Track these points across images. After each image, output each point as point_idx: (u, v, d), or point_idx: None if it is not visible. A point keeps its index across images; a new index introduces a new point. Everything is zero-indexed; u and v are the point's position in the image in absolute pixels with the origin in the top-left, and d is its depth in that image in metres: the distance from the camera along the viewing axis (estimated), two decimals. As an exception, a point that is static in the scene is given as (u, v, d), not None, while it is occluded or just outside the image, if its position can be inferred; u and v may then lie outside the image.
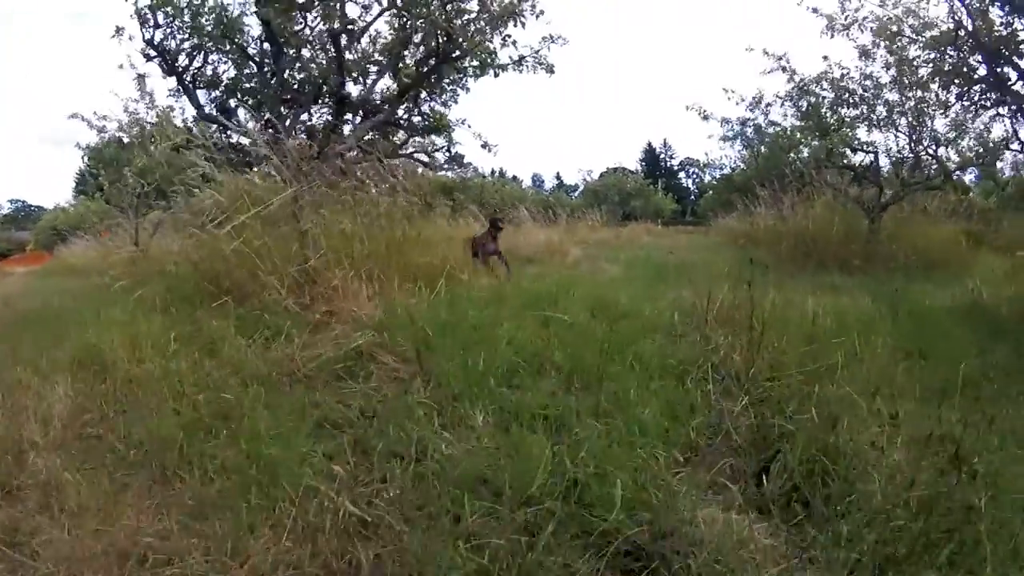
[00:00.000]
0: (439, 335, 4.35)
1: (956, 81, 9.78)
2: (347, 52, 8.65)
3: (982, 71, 9.41)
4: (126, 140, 12.30)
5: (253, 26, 8.93)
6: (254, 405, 3.75)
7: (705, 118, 13.11)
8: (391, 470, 3.02)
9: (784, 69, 11.99)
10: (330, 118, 8.55)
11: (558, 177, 62.38)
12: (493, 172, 42.08)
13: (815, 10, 11.01)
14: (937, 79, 10.27)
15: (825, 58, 11.78)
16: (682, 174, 62.08)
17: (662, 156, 63.71)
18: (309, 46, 8.87)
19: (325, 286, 5.58)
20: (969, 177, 13.27)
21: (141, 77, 9.69)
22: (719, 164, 23.18)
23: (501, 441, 3.15)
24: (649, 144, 63.63)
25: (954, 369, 3.65)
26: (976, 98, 10.04)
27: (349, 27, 8.03)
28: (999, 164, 12.57)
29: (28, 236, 35.90)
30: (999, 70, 8.91)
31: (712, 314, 4.80)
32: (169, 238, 9.39)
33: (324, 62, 8.95)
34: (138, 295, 6.29)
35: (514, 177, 48.83)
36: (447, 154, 10.28)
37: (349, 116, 9.20)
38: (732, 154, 17.86)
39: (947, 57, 9.71)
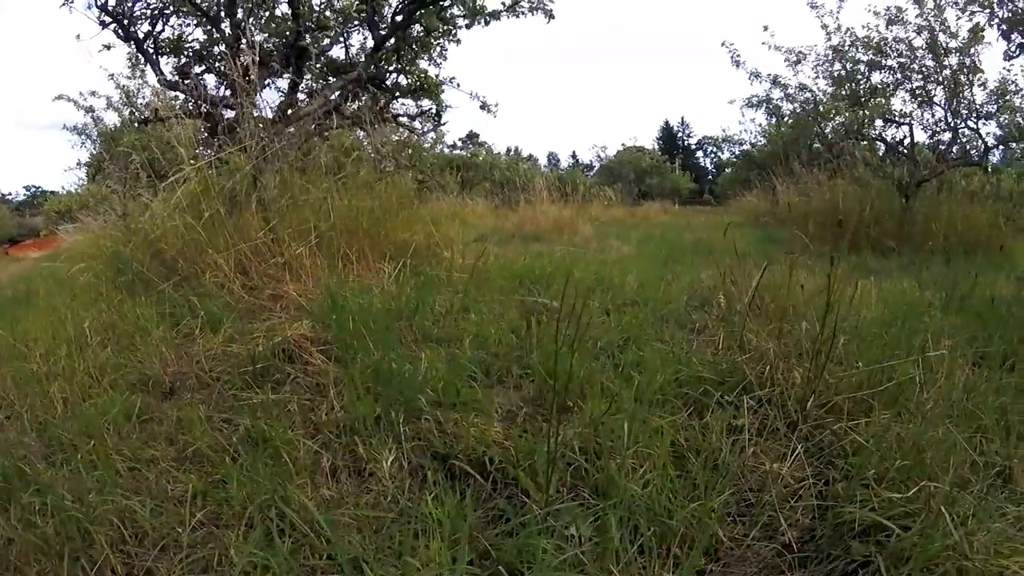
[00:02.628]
0: (383, 328, 3.41)
1: (1019, 28, 8.75)
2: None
3: None
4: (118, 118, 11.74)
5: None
6: (120, 425, 2.86)
7: (737, 64, 12.02)
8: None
9: (824, 27, 11.13)
10: (294, 77, 7.61)
11: (573, 155, 61.50)
12: (508, 150, 41.37)
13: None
14: (995, 27, 9.24)
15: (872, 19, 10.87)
16: (700, 152, 60.94)
17: (679, 134, 62.50)
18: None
19: (275, 264, 4.72)
20: (994, 158, 12.28)
21: (107, 48, 8.82)
22: (738, 139, 22.17)
23: (405, 504, 2.15)
24: (666, 122, 62.40)
25: None
26: None
27: None
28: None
29: (40, 221, 36.07)
30: None
31: (742, 303, 3.70)
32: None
33: (280, 13, 8.04)
34: (84, 280, 5.51)
35: (530, 156, 48.18)
36: (436, 119, 9.32)
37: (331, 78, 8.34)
38: (752, 128, 17.00)
39: (1007, 1, 8.70)
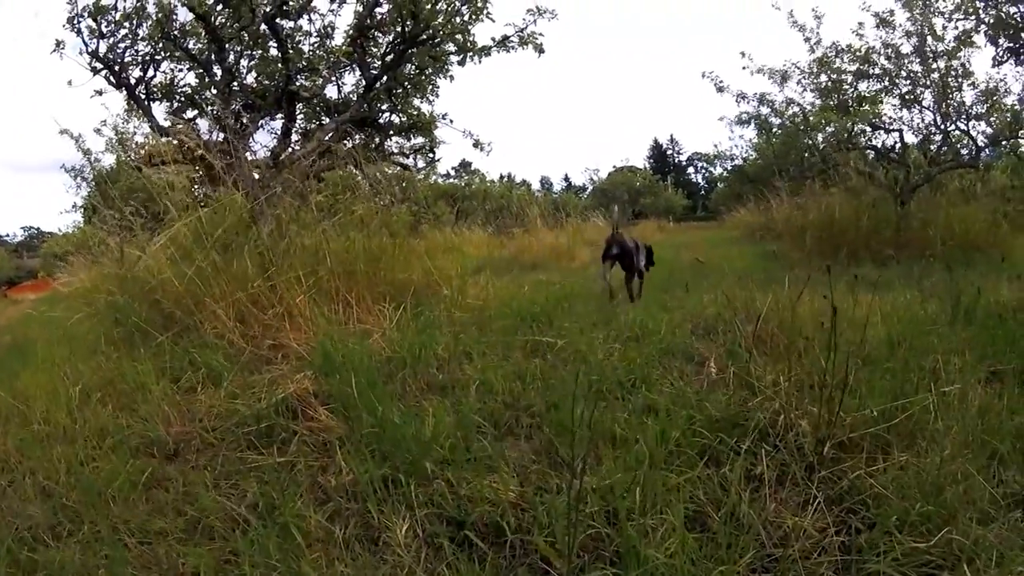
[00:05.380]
0: (385, 379, 3.36)
1: (1006, 33, 8.78)
2: (291, 41, 7.74)
3: None
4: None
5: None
6: (126, 492, 2.79)
7: (720, 90, 12.04)
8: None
9: (807, 40, 11.26)
10: (286, 122, 7.57)
11: (566, 179, 61.80)
12: (502, 177, 41.48)
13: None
14: (983, 33, 9.29)
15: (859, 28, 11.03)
16: (691, 169, 61.29)
17: (669, 152, 62.89)
18: (249, 38, 7.85)
19: (274, 313, 4.66)
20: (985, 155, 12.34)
21: (99, 93, 8.79)
22: (729, 155, 22.24)
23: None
24: (656, 141, 62.86)
25: None
26: None
27: (284, 7, 6.97)
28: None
29: (39, 263, 36.17)
30: None
31: (746, 336, 3.60)
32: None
33: (269, 57, 8.00)
34: (82, 329, 5.50)
35: (523, 181, 48.37)
36: (429, 156, 9.26)
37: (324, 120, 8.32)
38: (743, 143, 17.04)
39: (992, 8, 8.73)
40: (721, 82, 11.99)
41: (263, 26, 7.29)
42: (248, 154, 7.42)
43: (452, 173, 30.54)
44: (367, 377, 3.31)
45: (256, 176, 6.21)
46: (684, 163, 61.97)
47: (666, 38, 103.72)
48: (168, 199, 5.70)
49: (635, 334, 4.31)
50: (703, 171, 57.15)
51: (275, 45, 7.45)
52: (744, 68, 11.84)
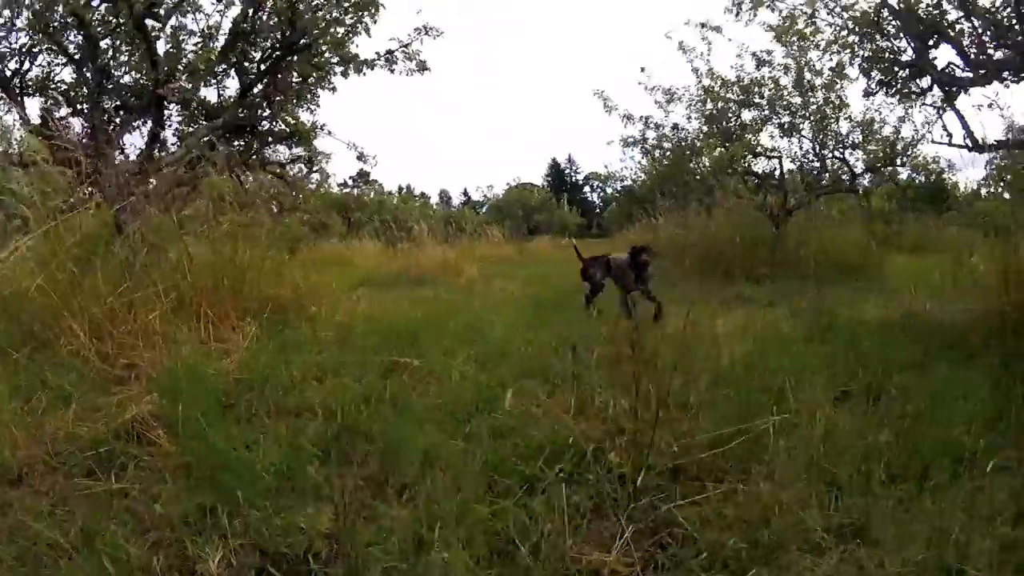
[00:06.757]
0: (233, 402, 3.27)
1: (878, 67, 9.28)
2: (174, 41, 7.56)
3: (908, 55, 8.92)
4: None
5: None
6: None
7: (609, 110, 12.38)
8: None
9: (695, 71, 11.71)
10: (155, 127, 7.32)
11: (465, 193, 61.72)
12: (400, 188, 41.24)
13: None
14: (856, 66, 9.82)
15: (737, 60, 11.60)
16: (587, 188, 62.26)
17: (567, 171, 63.78)
18: (121, 38, 7.58)
19: (129, 331, 4.47)
20: (865, 182, 13.11)
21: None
22: (619, 176, 22.77)
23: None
24: (554, 160, 63.64)
25: (926, 421, 2.83)
26: (900, 85, 9.55)
27: (152, 7, 6.75)
28: (900, 168, 12.26)
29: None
30: (928, 53, 8.40)
31: (592, 357, 3.67)
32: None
33: (137, 58, 7.74)
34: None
35: (422, 194, 48.18)
36: (308, 165, 9.13)
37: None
38: (632, 165, 17.48)
39: (867, 42, 9.22)
40: (610, 102, 12.33)
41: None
42: (121, 157, 7.17)
43: (349, 183, 30.14)
44: (213, 400, 3.23)
45: (121, 181, 5.95)
46: (581, 182, 62.92)
47: (581, 59, 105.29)
48: (35, 201, 5.41)
49: (497, 354, 4.32)
50: (599, 190, 58.10)
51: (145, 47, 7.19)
52: (640, 83, 12.26)
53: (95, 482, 2.84)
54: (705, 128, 12.09)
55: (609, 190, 44.00)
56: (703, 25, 11.10)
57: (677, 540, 2.19)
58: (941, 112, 9.35)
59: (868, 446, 2.72)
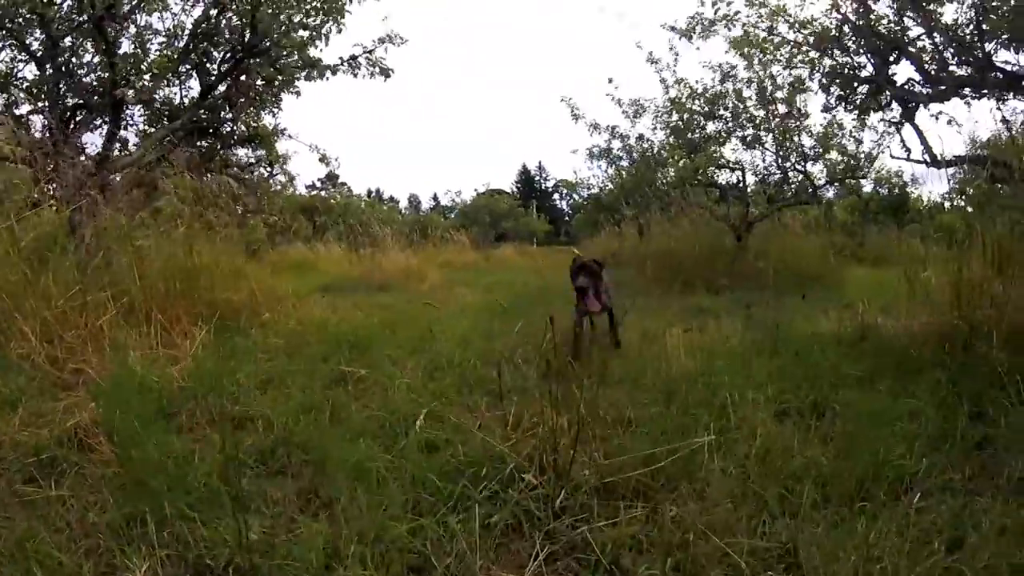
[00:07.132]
0: (175, 410, 3.28)
1: (837, 82, 9.47)
2: (139, 41, 7.51)
3: (867, 71, 9.13)
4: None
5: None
6: None
7: (576, 118, 12.64)
8: None
9: (663, 81, 11.84)
10: (111, 127, 7.24)
11: (435, 198, 61.69)
12: (369, 192, 41.06)
13: (672, 27, 11.06)
14: (816, 81, 10.00)
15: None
16: (556, 195, 62.55)
17: (537, 178, 64.08)
18: (84, 36, 7.49)
19: (79, 335, 4.45)
20: (829, 194, 13.34)
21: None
22: (587, 184, 22.95)
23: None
24: (524, 167, 63.92)
25: (866, 439, 2.76)
26: (859, 101, 9.74)
27: (111, 8, 6.66)
28: (863, 180, 12.47)
29: None
30: (887, 69, 8.59)
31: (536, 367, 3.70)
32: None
33: (96, 58, 7.67)
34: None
35: (391, 198, 48.13)
36: (268, 168, 9.10)
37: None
38: (599, 173, 17.65)
39: (827, 58, 9.41)
40: (577, 110, 12.52)
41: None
42: (82, 157, 7.09)
43: (317, 185, 30.01)
44: (154, 408, 3.25)
45: (77, 182, 5.89)
46: (550, 190, 63.23)
47: (557, 66, 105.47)
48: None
49: (446, 364, 4.34)
50: (567, 197, 58.40)
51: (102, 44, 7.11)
52: (608, 95, 12.40)
53: (36, 489, 2.84)
54: (671, 140, 12.28)
55: (577, 197, 44.24)
56: (672, 28, 11.12)
57: (590, 564, 2.15)
58: (899, 127, 9.57)
59: (805, 465, 2.66)
